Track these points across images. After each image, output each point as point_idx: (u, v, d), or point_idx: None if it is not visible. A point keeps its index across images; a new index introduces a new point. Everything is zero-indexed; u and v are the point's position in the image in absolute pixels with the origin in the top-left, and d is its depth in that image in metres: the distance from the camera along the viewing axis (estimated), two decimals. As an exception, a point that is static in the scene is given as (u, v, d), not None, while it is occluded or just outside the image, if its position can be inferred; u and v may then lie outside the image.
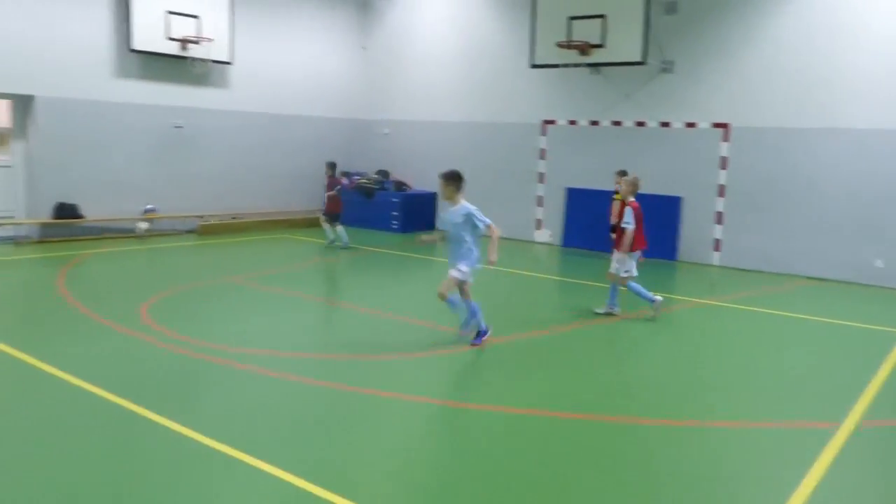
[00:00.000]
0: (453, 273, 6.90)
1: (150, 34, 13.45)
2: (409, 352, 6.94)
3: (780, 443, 5.16)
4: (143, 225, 13.60)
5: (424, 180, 16.46)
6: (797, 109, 11.98)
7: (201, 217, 14.65)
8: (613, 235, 11.81)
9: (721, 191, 12.80)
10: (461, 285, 7.03)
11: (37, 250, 11.96)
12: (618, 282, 8.59)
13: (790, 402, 6.00)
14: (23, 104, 12.75)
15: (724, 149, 12.73)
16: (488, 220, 6.93)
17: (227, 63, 14.78)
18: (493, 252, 6.88)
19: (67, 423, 4.93)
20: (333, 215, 13.33)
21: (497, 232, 6.97)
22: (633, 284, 8.53)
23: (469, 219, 6.87)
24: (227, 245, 13.25)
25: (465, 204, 6.93)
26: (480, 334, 7.18)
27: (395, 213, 15.94)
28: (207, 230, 14.46)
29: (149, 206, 13.89)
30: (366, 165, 17.31)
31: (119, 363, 6.27)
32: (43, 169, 12.78)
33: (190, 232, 14.47)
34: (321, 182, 17.08)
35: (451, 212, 6.96)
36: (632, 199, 8.50)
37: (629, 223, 8.33)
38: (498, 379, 6.39)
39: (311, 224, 16.07)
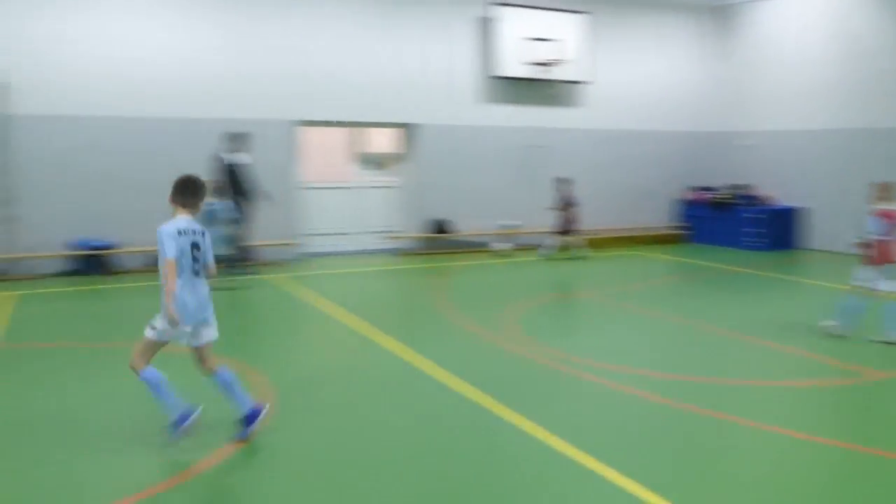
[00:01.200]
0: (146, 332, 4.69)
1: (511, 60, 14.43)
2: (768, 379, 6.48)
3: None
4: (505, 245, 14.54)
5: (791, 194, 15.25)
6: None
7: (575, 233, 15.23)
8: None
9: None
10: (201, 354, 4.80)
11: (415, 261, 13.51)
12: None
13: None
14: (410, 132, 14.53)
15: None
16: (168, 255, 4.52)
17: (584, 83, 15.26)
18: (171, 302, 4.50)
19: (435, 416, 5.47)
20: (566, 229, 13.71)
21: (169, 293, 4.50)
22: (853, 300, 7.37)
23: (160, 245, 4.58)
24: (580, 261, 13.59)
25: (170, 222, 4.65)
26: (250, 418, 4.83)
27: (755, 230, 15.00)
28: (565, 246, 14.97)
29: (510, 223, 14.83)
30: (720, 179, 16.52)
31: (483, 364, 6.78)
32: (423, 188, 14.43)
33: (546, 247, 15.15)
34: (670, 198, 16.79)
35: None
36: (885, 206, 7.23)
37: (871, 233, 7.23)
38: (872, 417, 5.66)
39: (659, 241, 15.91)
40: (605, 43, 15.57)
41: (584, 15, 15.02)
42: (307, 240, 13.74)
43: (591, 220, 15.56)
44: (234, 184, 11.10)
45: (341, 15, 13.51)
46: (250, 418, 4.82)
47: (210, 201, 10.34)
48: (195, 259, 4.66)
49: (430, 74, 14.24)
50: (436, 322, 8.69)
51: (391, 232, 14.56)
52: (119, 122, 12.01)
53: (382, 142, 14.90)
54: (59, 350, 7.34)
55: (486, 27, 14.52)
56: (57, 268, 11.75)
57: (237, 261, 11.11)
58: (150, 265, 12.08)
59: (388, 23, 13.85)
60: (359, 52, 13.64)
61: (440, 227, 14.46)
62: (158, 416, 4.88)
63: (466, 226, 14.68)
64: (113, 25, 11.96)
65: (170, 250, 4.53)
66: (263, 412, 4.88)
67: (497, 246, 14.54)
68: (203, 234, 4.75)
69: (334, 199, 14.24)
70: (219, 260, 10.35)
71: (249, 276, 11.36)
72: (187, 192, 4.76)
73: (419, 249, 14.38)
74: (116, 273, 11.75)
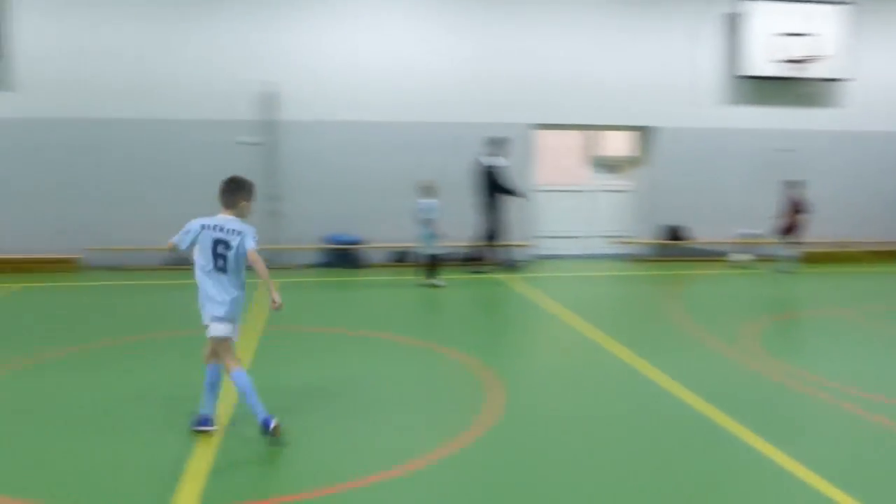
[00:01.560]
0: (209, 333, 4.81)
1: (760, 58, 13.58)
2: None
3: None
4: (744, 256, 13.71)
5: None
6: None
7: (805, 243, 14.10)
8: None
9: None
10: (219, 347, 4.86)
11: (647, 268, 13.18)
12: None
13: None
14: (645, 135, 14.19)
15: None
16: (177, 239, 4.76)
17: (843, 80, 13.96)
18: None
19: (663, 426, 5.27)
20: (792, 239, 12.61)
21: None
22: None
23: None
24: (834, 274, 12.46)
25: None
26: (202, 421, 4.86)
27: None
28: (812, 258, 13.79)
29: (751, 232, 13.93)
30: None
31: (719, 379, 6.44)
32: (657, 193, 14.03)
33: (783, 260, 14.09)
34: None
35: None
36: None
37: None
38: None
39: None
40: (870, 36, 14.13)
41: (846, 6, 13.74)
42: (538, 242, 13.92)
43: (841, 230, 14.26)
44: (492, 185, 11.80)
45: (579, 18, 13.54)
46: (203, 421, 4.85)
47: (420, 200, 10.81)
48: (218, 255, 4.70)
49: (670, 75, 13.82)
50: (668, 332, 8.41)
51: (623, 237, 14.32)
52: (369, 126, 13.01)
53: (617, 145, 14.69)
54: (312, 334, 8.10)
55: (732, 24, 13.79)
56: (312, 259, 13.00)
57: (461, 260, 11.74)
58: (391, 260, 13.00)
59: (626, 25, 13.65)
60: (596, 54, 13.59)
61: (674, 234, 13.98)
62: (401, 389, 5.20)
63: (702, 233, 14.04)
64: (365, 39, 12.99)
65: (181, 237, 4.74)
66: (210, 427, 4.86)
67: (736, 256, 13.73)
68: (238, 234, 4.73)
69: (566, 202, 14.31)
70: (429, 258, 10.87)
71: (486, 274, 11.88)
72: (225, 192, 4.84)
73: (651, 256, 14.00)
74: (362, 267, 12.73)
